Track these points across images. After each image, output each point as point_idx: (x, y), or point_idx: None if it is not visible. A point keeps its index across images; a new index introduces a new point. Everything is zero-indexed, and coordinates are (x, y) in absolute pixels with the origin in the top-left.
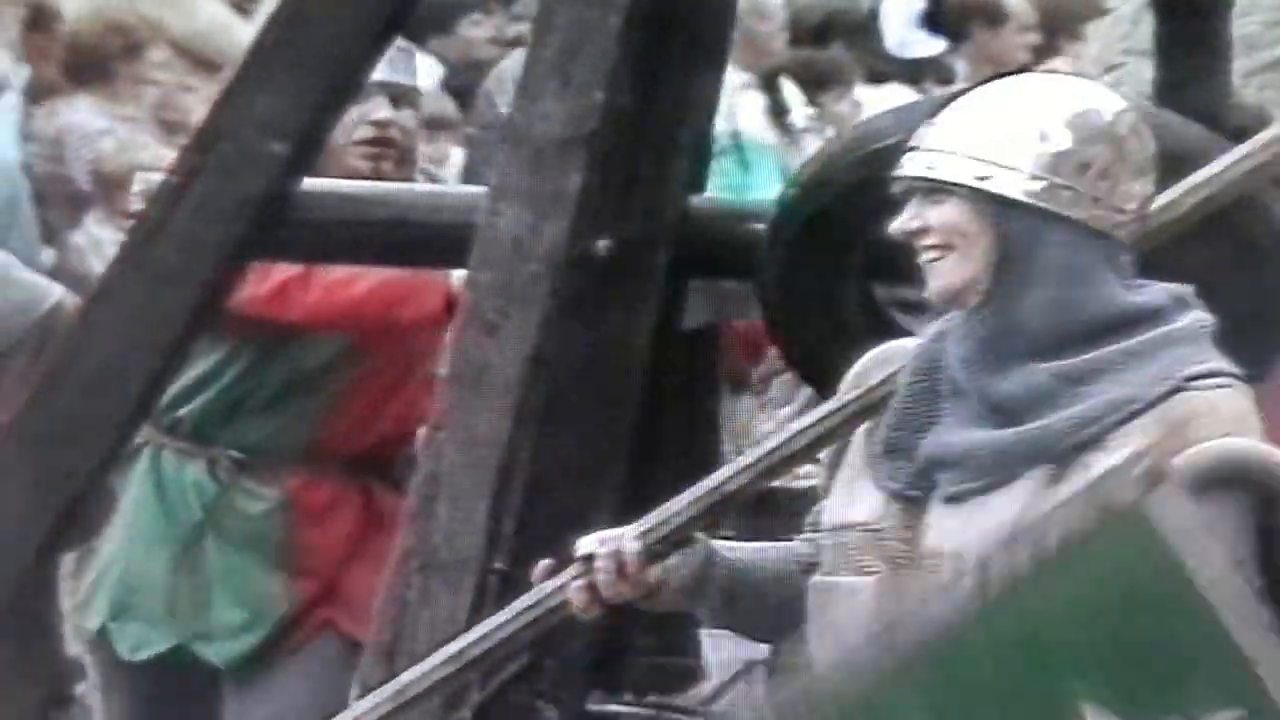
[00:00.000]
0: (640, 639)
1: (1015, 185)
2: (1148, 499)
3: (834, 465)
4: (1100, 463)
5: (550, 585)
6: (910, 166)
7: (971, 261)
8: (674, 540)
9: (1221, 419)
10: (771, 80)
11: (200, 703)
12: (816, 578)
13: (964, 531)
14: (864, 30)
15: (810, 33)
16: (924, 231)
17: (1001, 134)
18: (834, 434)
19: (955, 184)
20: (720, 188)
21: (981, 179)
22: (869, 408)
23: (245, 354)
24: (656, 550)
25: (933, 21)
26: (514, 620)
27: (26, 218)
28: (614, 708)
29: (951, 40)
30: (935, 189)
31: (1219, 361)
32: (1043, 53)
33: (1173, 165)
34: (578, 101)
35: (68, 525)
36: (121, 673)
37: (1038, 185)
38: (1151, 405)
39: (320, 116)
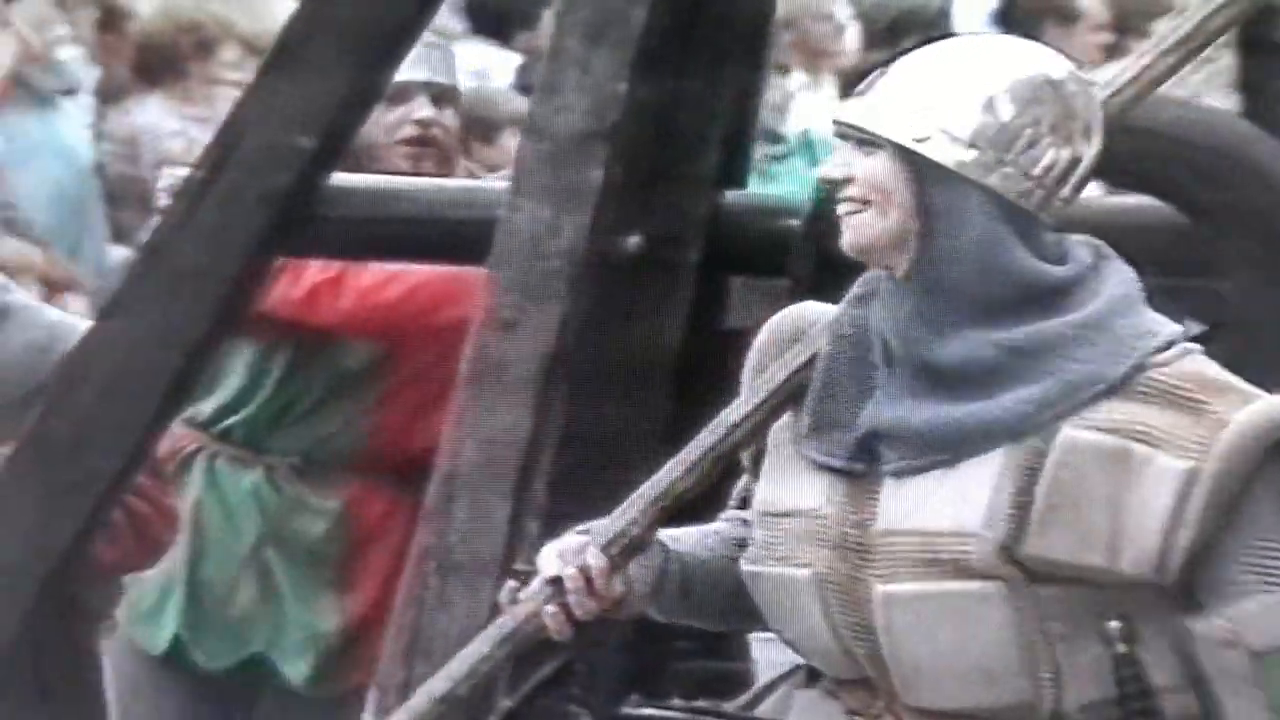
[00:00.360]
0: (685, 643)
1: (949, 152)
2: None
3: (758, 447)
4: (1081, 438)
5: (523, 611)
6: (850, 112)
7: (887, 220)
8: (633, 548)
9: (1219, 386)
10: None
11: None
12: (745, 566)
13: (923, 507)
14: (935, 29)
15: (882, 33)
16: (848, 181)
17: (946, 95)
18: (776, 414)
19: (890, 140)
20: (792, 186)
21: (919, 140)
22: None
23: (283, 357)
24: (618, 561)
25: (1005, 20)
26: (496, 650)
27: (97, 218)
28: (649, 712)
29: (1023, 39)
30: (869, 140)
31: (1163, 325)
32: (1114, 51)
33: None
34: (599, 93)
35: (91, 530)
36: (192, 685)
37: (970, 155)
38: (1120, 383)
39: (348, 110)
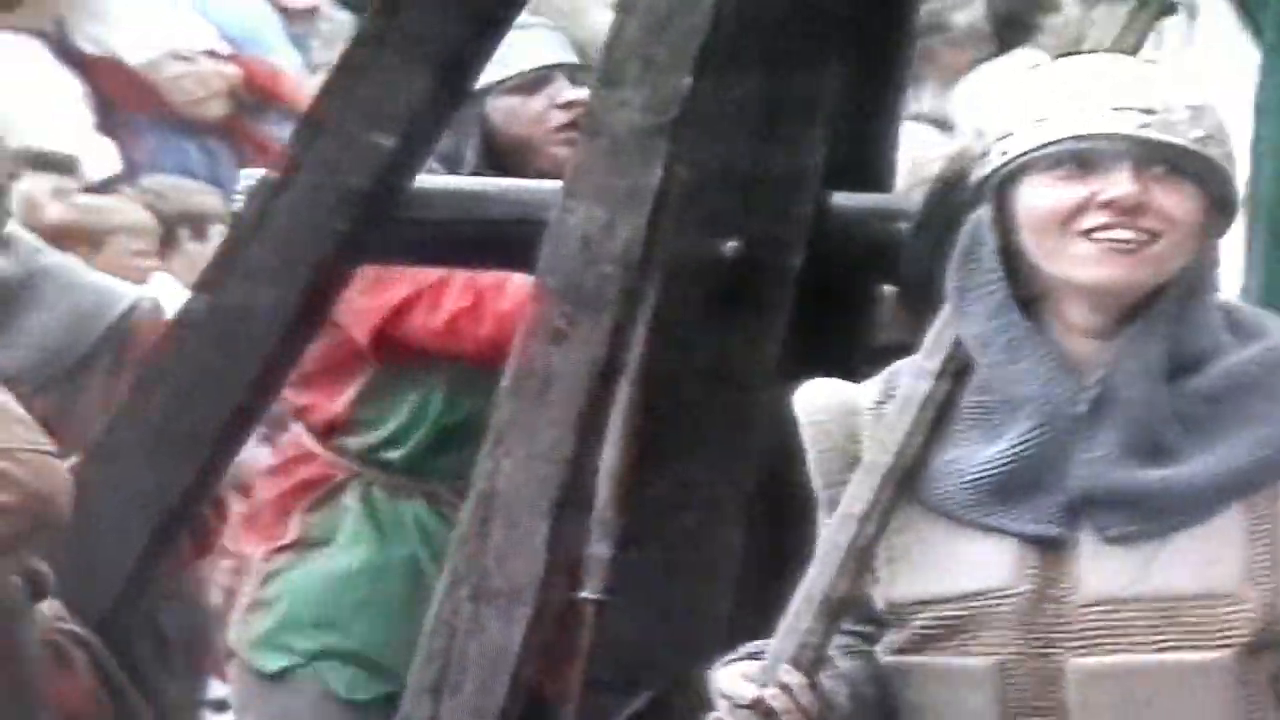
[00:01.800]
0: None
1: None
2: None
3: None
4: None
5: None
6: (1172, 130)
7: (1179, 260)
8: (818, 659)
9: None
10: None
11: None
12: (893, 659)
13: (1152, 572)
14: None
15: None
16: (1141, 209)
17: (1216, 120)
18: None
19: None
20: None
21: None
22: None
23: (439, 386)
24: (811, 673)
25: None
26: None
27: None
28: None
29: None
30: (1178, 168)
31: None
32: None
33: None
34: (660, 87)
35: (164, 542)
36: (327, 710)
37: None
38: None
39: (429, 107)
